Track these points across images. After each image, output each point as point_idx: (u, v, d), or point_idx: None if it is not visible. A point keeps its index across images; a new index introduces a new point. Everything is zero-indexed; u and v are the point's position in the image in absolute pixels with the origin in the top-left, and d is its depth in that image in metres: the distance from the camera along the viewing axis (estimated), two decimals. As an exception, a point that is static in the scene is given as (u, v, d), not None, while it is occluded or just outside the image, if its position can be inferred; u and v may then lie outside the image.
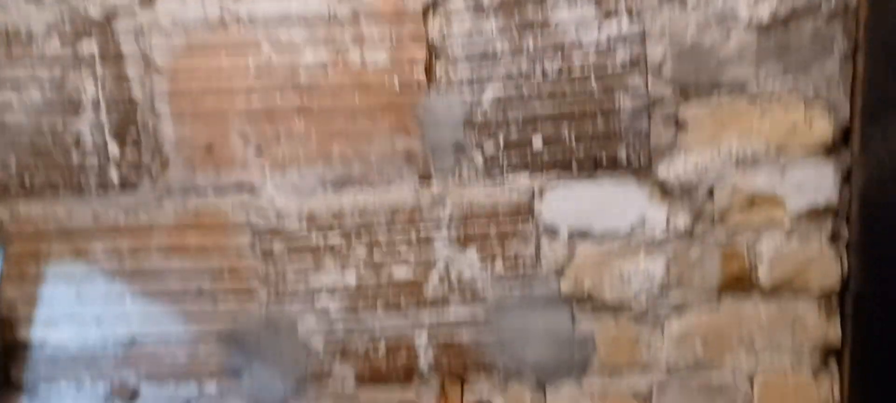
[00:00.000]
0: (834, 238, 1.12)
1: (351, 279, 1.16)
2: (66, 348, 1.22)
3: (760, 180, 1.10)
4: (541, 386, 1.17)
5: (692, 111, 1.09)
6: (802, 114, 1.09)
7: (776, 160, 1.10)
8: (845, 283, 1.13)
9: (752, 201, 1.11)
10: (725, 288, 1.13)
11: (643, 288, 1.13)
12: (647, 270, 1.12)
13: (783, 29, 1.07)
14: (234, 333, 1.19)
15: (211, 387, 1.22)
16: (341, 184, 1.14)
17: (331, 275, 1.16)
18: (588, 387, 1.16)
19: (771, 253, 1.12)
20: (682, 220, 1.11)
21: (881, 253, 1.11)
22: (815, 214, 1.11)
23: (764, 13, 1.06)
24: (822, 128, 1.09)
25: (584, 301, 1.14)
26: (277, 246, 1.16)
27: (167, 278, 1.19)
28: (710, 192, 1.11)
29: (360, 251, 1.16)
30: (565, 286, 1.14)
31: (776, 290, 1.13)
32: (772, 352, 1.15)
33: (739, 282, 1.13)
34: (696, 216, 1.11)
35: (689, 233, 1.12)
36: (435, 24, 1.09)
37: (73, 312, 1.21)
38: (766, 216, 1.12)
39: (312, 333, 1.19)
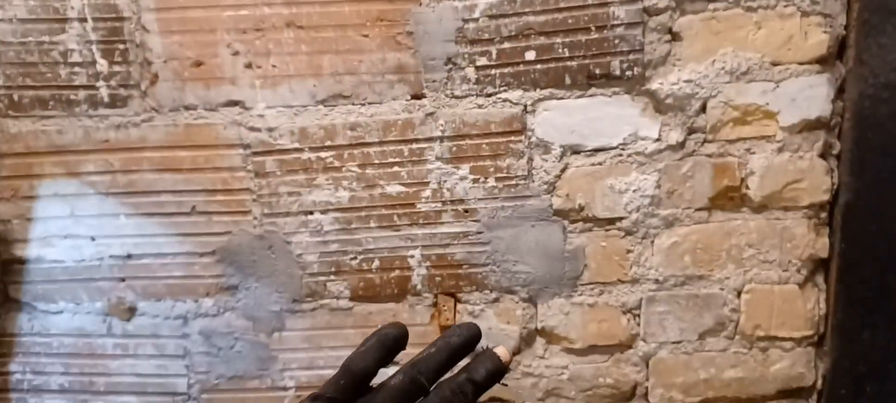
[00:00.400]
0: (825, 152, 1.13)
1: (344, 196, 1.17)
2: (63, 265, 1.23)
3: (753, 94, 1.10)
4: (532, 301, 1.19)
5: (687, 21, 1.08)
6: (798, 26, 1.08)
7: (770, 73, 1.09)
8: (835, 197, 1.14)
9: (745, 115, 1.11)
10: (716, 201, 1.14)
11: (634, 203, 1.13)
12: (638, 184, 1.13)
13: None
14: (228, 249, 1.20)
15: (207, 303, 1.23)
16: (333, 99, 1.14)
17: (324, 192, 1.17)
18: (578, 301, 1.18)
19: (762, 167, 1.12)
20: (674, 135, 1.11)
21: (872, 166, 1.11)
22: (807, 128, 1.11)
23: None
24: (818, 39, 1.08)
25: (576, 216, 1.15)
26: (270, 164, 1.16)
27: (160, 195, 1.19)
28: (703, 106, 1.10)
29: (353, 168, 1.16)
30: (557, 201, 1.14)
31: (766, 204, 1.14)
32: (760, 265, 1.16)
33: (730, 196, 1.14)
34: (689, 130, 1.11)
35: (681, 147, 1.12)
36: (426, -66, 1.06)
37: (68, 230, 1.22)
38: (759, 130, 1.11)
39: (307, 250, 1.20)
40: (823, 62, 1.09)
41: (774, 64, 1.09)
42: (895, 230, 1.12)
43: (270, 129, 1.15)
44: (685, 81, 1.09)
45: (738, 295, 1.17)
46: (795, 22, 1.08)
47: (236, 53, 1.12)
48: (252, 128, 1.15)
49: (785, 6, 1.07)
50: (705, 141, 1.12)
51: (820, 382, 1.20)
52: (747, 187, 1.13)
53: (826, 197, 1.14)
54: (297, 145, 1.15)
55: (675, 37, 1.08)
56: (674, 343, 1.19)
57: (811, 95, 1.10)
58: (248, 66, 1.13)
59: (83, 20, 1.12)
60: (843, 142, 1.13)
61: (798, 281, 1.17)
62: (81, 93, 1.15)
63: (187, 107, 1.15)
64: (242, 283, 1.22)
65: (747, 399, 1.20)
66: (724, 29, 1.08)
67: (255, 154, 1.16)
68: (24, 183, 1.20)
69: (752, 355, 1.19)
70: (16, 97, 1.16)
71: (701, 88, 1.09)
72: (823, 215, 1.15)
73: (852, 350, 1.17)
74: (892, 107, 1.09)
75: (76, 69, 1.14)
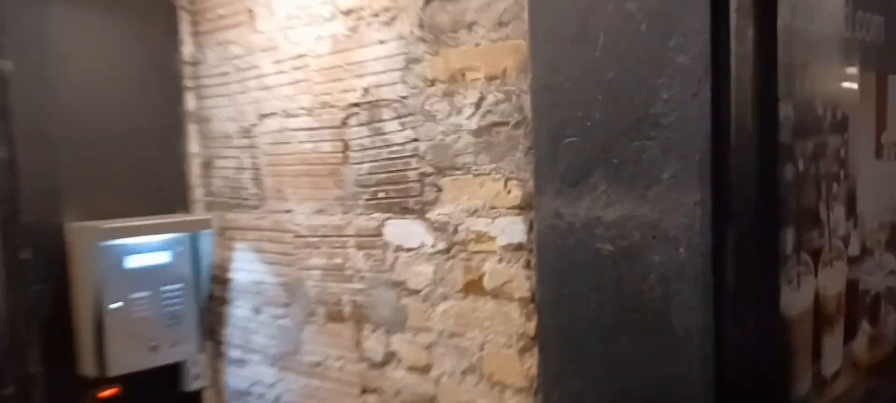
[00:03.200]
0: (526, 264, 1.75)
1: (321, 261, 2.25)
2: (243, 283, 2.58)
3: (481, 225, 1.82)
4: (388, 333, 2.06)
5: (444, 181, 1.88)
6: (503, 186, 1.78)
7: (490, 213, 1.80)
8: (533, 294, 1.74)
9: (479, 237, 1.83)
10: (466, 288, 1.86)
11: (425, 282, 1.94)
12: (426, 271, 1.93)
13: (487, 133, 1.79)
14: (288, 285, 2.38)
15: (280, 311, 2.43)
16: (318, 212, 2.25)
17: (315, 259, 2.27)
18: (406, 336, 2.01)
19: (490, 270, 1.81)
20: (441, 244, 1.89)
21: (551, 274, 1.69)
22: (513, 248, 1.77)
23: (474, 125, 1.80)
24: (516, 195, 1.76)
25: (403, 286, 2.00)
26: (300, 241, 2.32)
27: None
28: (455, 229, 1.86)
29: (324, 249, 2.23)
30: (394, 277, 2.02)
31: (495, 294, 1.81)
32: (495, 334, 1.82)
33: (474, 286, 1.84)
34: (450, 243, 1.88)
35: (447, 252, 1.89)
36: (349, 131, 2.12)
37: (245, 266, 2.56)
38: (487, 247, 1.81)
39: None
40: (520, 208, 1.75)
41: (492, 208, 1.80)
42: (566, 323, 1.67)
43: (300, 224, 2.31)
44: (445, 214, 1.88)
45: (482, 349, 1.84)
46: (502, 183, 1.78)
47: (288, 188, 2.33)
48: (295, 223, 2.33)
49: (496, 174, 1.79)
50: (459, 250, 1.87)
51: (533, 424, 1.77)
52: (483, 282, 1.83)
53: (527, 293, 1.75)
54: (306, 234, 2.29)
55: (439, 189, 1.89)
56: (449, 374, 1.91)
57: (514, 228, 1.77)
58: (293, 193, 2.32)
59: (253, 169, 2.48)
60: (536, 259, 1.74)
61: (518, 349, 1.79)
62: (248, 200, 2.50)
63: (275, 211, 2.40)
64: (291, 303, 2.38)
65: (491, 423, 1.84)
66: (464, 185, 1.84)
67: (297, 237, 2.33)
68: (227, 244, 2.59)
69: (493, 393, 1.83)
70: (222, 201, 2.57)
71: (453, 219, 1.87)
72: (531, 306, 1.76)
73: (551, 400, 1.71)
74: (555, 238, 1.67)
75: (243, 189, 2.50)
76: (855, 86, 2.43)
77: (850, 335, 2.48)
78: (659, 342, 1.51)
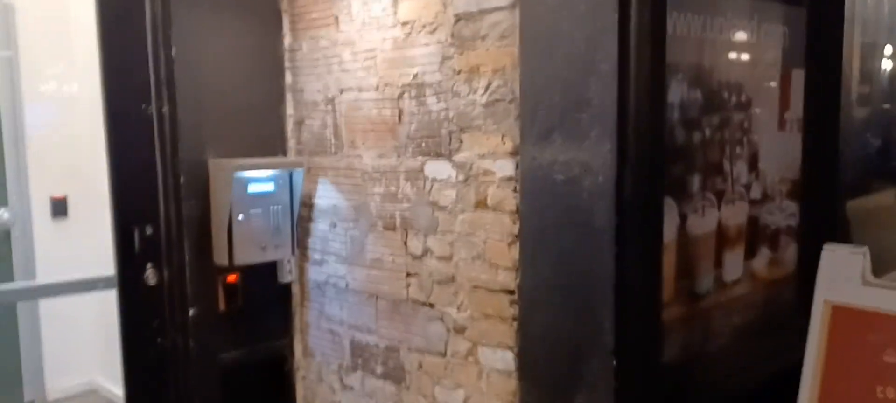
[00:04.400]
0: (514, 189, 2.79)
1: (380, 189, 3.31)
2: (323, 207, 3.66)
3: (487, 164, 2.86)
4: (425, 236, 3.13)
5: (464, 136, 2.92)
6: (501, 140, 2.81)
7: (492, 156, 2.84)
8: (518, 208, 2.78)
9: (485, 172, 2.87)
10: (477, 205, 2.90)
11: (450, 201, 2.99)
12: (451, 194, 2.98)
13: (492, 106, 2.82)
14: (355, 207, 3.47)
15: (350, 225, 3.52)
16: (380, 155, 3.31)
17: (376, 188, 3.33)
18: (436, 237, 3.07)
19: (492, 193, 2.86)
20: (461, 177, 2.94)
21: (528, 195, 2.73)
22: (506, 179, 2.80)
23: (484, 100, 2.83)
24: (509, 145, 2.79)
25: (436, 204, 3.06)
26: (366, 177, 3.38)
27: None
28: (471, 167, 2.91)
29: (383, 181, 3.29)
30: (430, 199, 3.08)
31: (494, 208, 2.85)
32: (493, 233, 2.86)
33: (481, 204, 2.89)
34: (467, 176, 2.93)
35: (464, 182, 2.94)
36: (403, 102, 3.17)
37: (325, 195, 3.64)
38: (490, 178, 2.86)
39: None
40: (511, 154, 2.79)
41: (494, 153, 2.83)
42: (535, 225, 2.71)
43: (365, 165, 3.38)
44: (464, 157, 2.93)
45: (484, 243, 2.90)
46: (500, 138, 2.81)
47: (359, 140, 3.40)
48: (362, 164, 3.40)
49: (497, 132, 2.82)
50: (473, 181, 2.92)
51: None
52: (487, 201, 2.88)
53: (514, 208, 2.79)
54: (371, 170, 3.36)
55: (461, 141, 2.93)
56: (464, 260, 2.98)
57: (506, 166, 2.80)
58: (362, 144, 3.39)
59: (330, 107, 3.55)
60: (519, 188, 2.77)
61: (507, 243, 2.83)
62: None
63: (348, 155, 3.47)
64: (359, 219, 3.47)
65: (489, 290, 2.90)
66: (476, 139, 2.88)
67: (364, 175, 3.40)
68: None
69: (491, 271, 2.89)
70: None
71: (469, 160, 2.91)
72: (516, 215, 2.80)
73: (526, 275, 2.76)
74: (531, 172, 2.71)
75: (327, 138, 3.58)
76: (762, 77, 3.47)
77: (750, 255, 3.56)
78: (587, 237, 2.54)
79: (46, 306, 5.54)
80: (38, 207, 5.58)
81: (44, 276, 5.39)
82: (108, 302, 3.82)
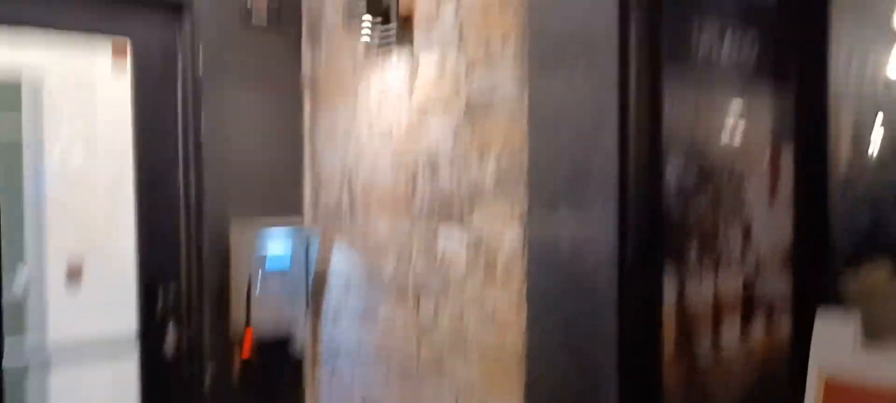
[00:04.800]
0: (522, 256, 2.97)
1: (393, 256, 3.49)
2: (338, 268, 3.83)
3: (497, 232, 3.04)
4: (436, 301, 3.29)
5: (475, 206, 3.12)
6: (510, 209, 3.01)
7: (504, 225, 3.03)
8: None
9: (496, 239, 3.05)
10: (487, 271, 3.08)
11: (461, 265, 3.17)
12: (461, 259, 3.16)
13: (502, 176, 3.03)
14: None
15: (364, 289, 3.69)
16: (392, 223, 3.50)
17: (390, 255, 3.51)
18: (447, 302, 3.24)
19: (501, 259, 3.03)
20: (472, 243, 3.13)
21: (536, 255, 2.90)
22: (515, 246, 2.99)
23: (494, 172, 3.04)
24: (519, 214, 2.98)
25: (447, 269, 3.24)
26: (378, 243, 3.57)
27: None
28: (481, 235, 3.10)
29: (394, 247, 3.48)
30: (440, 266, 3.26)
31: (503, 273, 3.02)
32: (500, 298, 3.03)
33: (491, 269, 3.06)
34: (477, 243, 3.11)
35: (476, 249, 3.12)
36: (417, 175, 3.38)
37: (340, 258, 3.82)
38: (500, 246, 3.04)
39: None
40: (519, 221, 2.98)
41: (502, 222, 3.03)
42: (543, 289, 2.89)
43: (378, 230, 3.57)
44: (476, 227, 3.12)
45: (493, 308, 3.06)
46: (509, 205, 3.01)
47: (373, 209, 3.60)
48: (375, 230, 3.59)
49: (506, 200, 3.02)
50: (482, 247, 3.10)
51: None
52: (497, 267, 3.05)
53: (519, 256, 2.97)
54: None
55: (472, 209, 3.13)
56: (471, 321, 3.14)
57: (514, 233, 3.00)
58: (376, 212, 3.59)
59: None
60: (527, 252, 2.96)
61: (516, 307, 3.00)
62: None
63: (362, 222, 3.66)
64: (372, 284, 3.64)
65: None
66: (487, 207, 3.08)
67: (376, 239, 3.59)
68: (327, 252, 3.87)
69: (497, 331, 3.05)
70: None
71: (481, 227, 3.10)
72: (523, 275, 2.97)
73: (534, 337, 2.92)
74: (538, 240, 2.89)
75: (343, 206, 3.77)
76: (752, 152, 3.66)
77: (746, 318, 3.71)
78: (590, 300, 2.71)
79: (56, 378, 5.61)
80: (53, 272, 5.72)
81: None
82: (120, 371, 3.95)
